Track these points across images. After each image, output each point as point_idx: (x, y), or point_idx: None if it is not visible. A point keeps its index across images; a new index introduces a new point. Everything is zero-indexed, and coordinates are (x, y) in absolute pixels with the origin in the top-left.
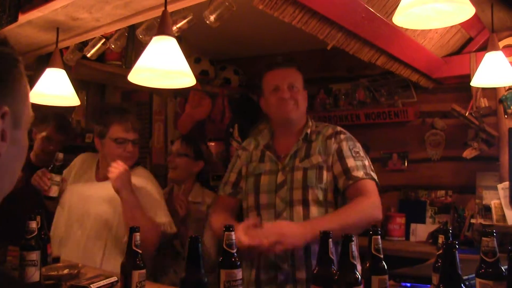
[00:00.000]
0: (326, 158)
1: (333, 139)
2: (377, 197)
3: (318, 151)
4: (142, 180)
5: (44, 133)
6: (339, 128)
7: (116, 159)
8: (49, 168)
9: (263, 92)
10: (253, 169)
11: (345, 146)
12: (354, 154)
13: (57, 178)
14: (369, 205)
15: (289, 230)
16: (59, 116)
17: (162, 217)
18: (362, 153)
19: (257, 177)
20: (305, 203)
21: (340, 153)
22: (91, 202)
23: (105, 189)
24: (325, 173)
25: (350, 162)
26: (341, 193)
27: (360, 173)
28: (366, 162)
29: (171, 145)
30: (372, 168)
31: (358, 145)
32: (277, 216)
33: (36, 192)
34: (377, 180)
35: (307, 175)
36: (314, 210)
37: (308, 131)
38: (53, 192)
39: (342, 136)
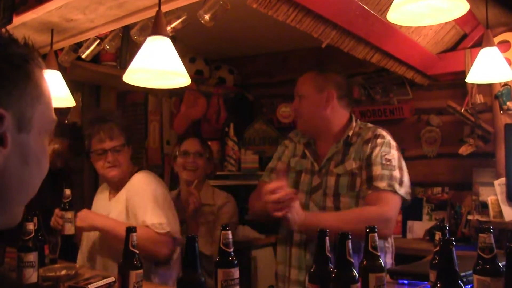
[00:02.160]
0: (360, 164)
1: (369, 143)
2: (391, 212)
3: (354, 157)
4: (136, 182)
5: (56, 146)
6: (379, 132)
7: (101, 171)
8: (61, 207)
9: None
10: (295, 164)
11: (377, 151)
12: (383, 162)
13: (68, 215)
14: (378, 218)
15: (298, 209)
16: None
17: (153, 219)
18: (395, 162)
19: (298, 174)
20: (337, 211)
21: (369, 159)
22: None
23: (113, 207)
24: (358, 179)
25: (376, 170)
26: None
27: (382, 184)
28: (396, 173)
29: (177, 144)
30: (403, 180)
31: (394, 152)
32: None
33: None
34: (403, 194)
35: (339, 182)
36: None
37: (350, 133)
38: (68, 229)
39: (378, 141)
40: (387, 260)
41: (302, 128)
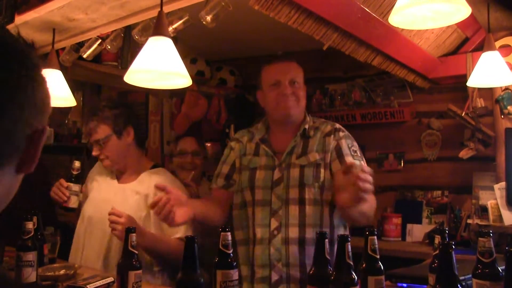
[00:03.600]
0: (324, 156)
1: (332, 136)
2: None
3: (316, 149)
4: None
5: None
6: (337, 125)
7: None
8: (67, 178)
9: (262, 86)
10: (248, 163)
11: (344, 143)
12: (352, 153)
13: (76, 188)
14: (374, 205)
15: None
16: None
17: (186, 232)
18: (359, 152)
19: (252, 172)
20: (301, 202)
21: (339, 151)
22: (111, 205)
23: (125, 191)
24: (322, 171)
25: (349, 161)
26: None
27: None
28: (363, 163)
29: (173, 144)
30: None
31: (356, 144)
32: (273, 214)
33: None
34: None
35: (304, 172)
36: (309, 209)
37: (306, 126)
38: (73, 202)
39: (341, 134)
40: None
41: (295, 113)
